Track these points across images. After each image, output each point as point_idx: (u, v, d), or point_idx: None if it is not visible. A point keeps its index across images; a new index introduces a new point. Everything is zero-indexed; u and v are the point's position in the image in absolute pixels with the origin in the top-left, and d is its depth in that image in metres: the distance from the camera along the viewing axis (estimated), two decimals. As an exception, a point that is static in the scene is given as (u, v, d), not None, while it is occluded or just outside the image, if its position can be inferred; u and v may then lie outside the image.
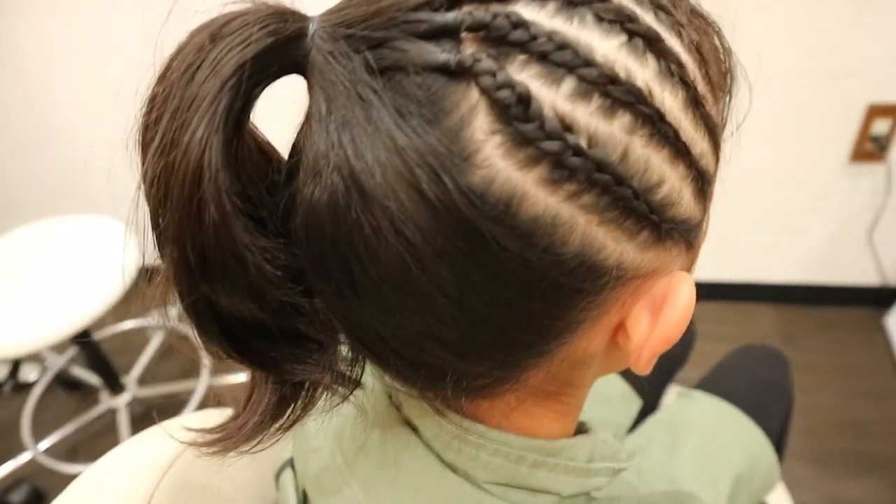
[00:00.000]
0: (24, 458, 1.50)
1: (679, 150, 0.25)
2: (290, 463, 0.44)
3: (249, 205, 0.25)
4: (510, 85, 0.22)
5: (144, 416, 1.57)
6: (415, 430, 0.35)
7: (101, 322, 1.72)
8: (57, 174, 1.78)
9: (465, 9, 0.23)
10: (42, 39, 1.51)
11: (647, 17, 0.25)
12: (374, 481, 0.36)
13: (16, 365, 1.66)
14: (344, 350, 0.31)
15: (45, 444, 1.52)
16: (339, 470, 0.38)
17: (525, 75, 0.22)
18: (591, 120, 0.23)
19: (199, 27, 0.24)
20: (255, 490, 0.52)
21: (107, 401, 1.55)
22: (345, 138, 0.23)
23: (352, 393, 0.32)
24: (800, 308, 1.67)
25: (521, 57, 0.23)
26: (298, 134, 0.26)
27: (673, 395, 0.92)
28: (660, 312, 0.28)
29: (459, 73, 0.22)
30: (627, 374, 0.82)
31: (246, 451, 0.31)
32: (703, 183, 0.27)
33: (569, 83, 0.23)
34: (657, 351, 0.28)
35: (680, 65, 0.25)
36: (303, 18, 0.25)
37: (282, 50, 0.24)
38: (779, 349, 0.90)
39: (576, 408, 0.36)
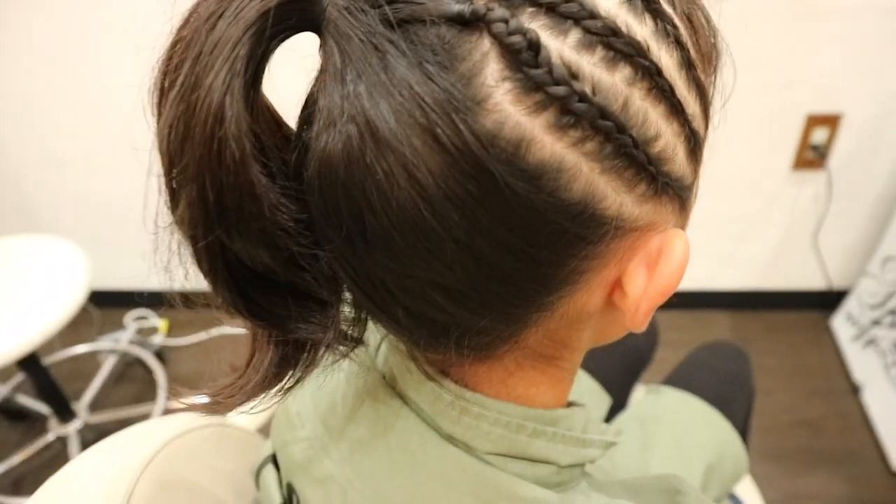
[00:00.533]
0: (-35, 492, 1.42)
1: (674, 106, 0.27)
2: (271, 458, 0.44)
3: (262, 155, 0.25)
4: (521, 31, 0.23)
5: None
6: (409, 404, 0.35)
7: (50, 347, 1.66)
8: None
9: None
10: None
11: None
12: (365, 452, 0.36)
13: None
14: (347, 310, 0.32)
15: (-12, 478, 1.45)
16: (327, 451, 0.38)
17: (534, 25, 0.24)
18: (595, 70, 0.24)
19: None
20: (236, 486, 0.51)
21: (56, 429, 1.48)
22: (360, 88, 0.23)
23: (352, 350, 0.32)
24: (751, 313, 1.73)
25: (531, 9, 0.24)
26: (311, 88, 0.26)
27: (641, 393, 0.94)
28: (656, 266, 0.29)
29: (473, 21, 0.23)
30: (596, 373, 0.84)
31: (246, 411, 0.31)
32: (694, 144, 0.29)
33: (575, 34, 0.24)
34: (654, 304, 0.29)
35: (675, 27, 0.27)
36: None
37: (302, 3, 0.24)
38: (739, 345, 0.93)
39: (570, 373, 0.36)
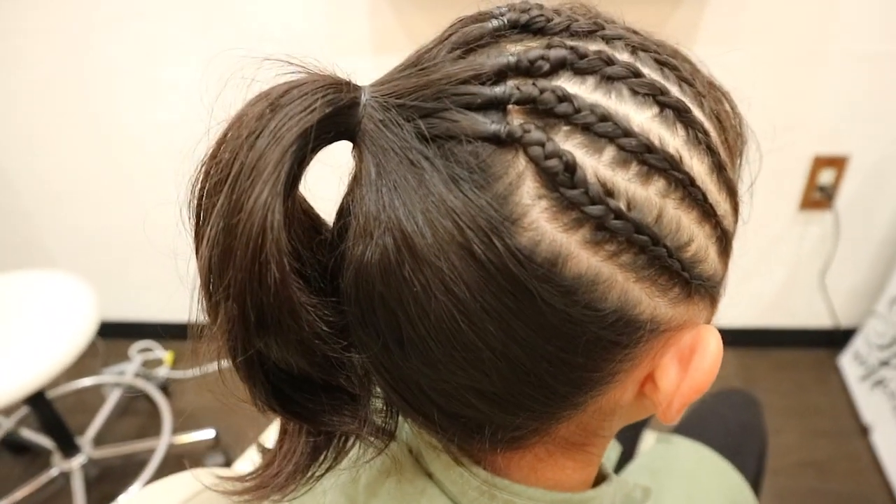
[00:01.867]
0: (-34, 528, 1.41)
1: (706, 211, 0.27)
2: None
3: (298, 263, 0.26)
4: (558, 154, 0.24)
5: (100, 479, 1.50)
6: (436, 484, 0.35)
7: (55, 380, 1.66)
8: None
9: (511, 83, 0.25)
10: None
11: (674, 90, 0.27)
12: None
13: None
14: (378, 402, 0.32)
15: (-11, 513, 1.44)
16: None
17: (570, 144, 0.24)
18: (630, 185, 0.25)
19: (257, 96, 0.25)
20: None
21: (59, 464, 1.47)
22: (397, 201, 0.24)
23: (387, 446, 0.32)
24: (758, 351, 1.72)
25: (566, 128, 0.25)
26: (345, 198, 0.27)
27: (650, 440, 0.92)
28: (689, 363, 0.29)
29: (509, 142, 0.24)
30: None
31: (278, 501, 0.31)
32: (725, 242, 0.29)
33: (609, 152, 0.25)
34: (688, 400, 0.30)
35: (706, 133, 0.27)
36: (356, 89, 0.26)
37: (338, 118, 0.25)
38: (750, 391, 0.92)
39: (598, 457, 0.36)
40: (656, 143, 0.25)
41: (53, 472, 1.48)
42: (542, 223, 0.24)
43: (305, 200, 0.29)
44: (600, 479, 0.39)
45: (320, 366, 0.27)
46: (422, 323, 0.25)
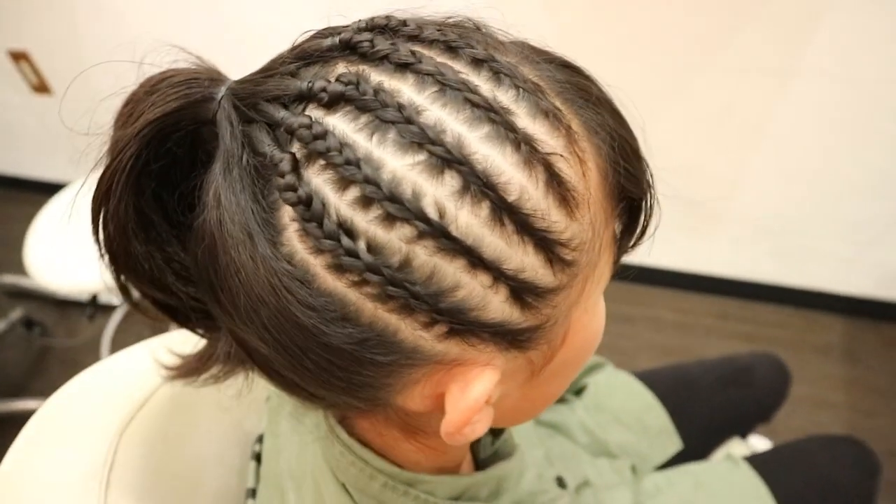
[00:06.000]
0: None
1: (476, 262, 0.27)
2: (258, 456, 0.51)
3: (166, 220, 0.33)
4: (293, 188, 0.26)
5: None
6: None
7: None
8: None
9: (298, 109, 0.28)
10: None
11: (478, 134, 0.27)
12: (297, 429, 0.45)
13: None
14: None
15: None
16: (282, 415, 0.47)
17: (321, 178, 0.26)
18: (370, 226, 0.26)
19: (146, 79, 0.30)
20: (222, 438, 0.58)
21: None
22: (221, 190, 0.28)
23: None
24: (869, 323, 1.61)
25: (321, 162, 0.26)
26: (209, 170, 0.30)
27: (735, 447, 0.83)
28: (458, 398, 0.30)
29: (271, 167, 0.27)
30: (681, 416, 0.78)
31: (190, 384, 0.40)
32: (525, 292, 0.28)
33: (353, 192, 0.26)
34: (449, 431, 0.30)
35: (486, 184, 0.26)
36: (217, 84, 0.30)
37: (189, 111, 0.29)
38: (872, 452, 0.75)
39: (443, 449, 0.38)
40: (406, 190, 0.26)
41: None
42: (294, 242, 0.27)
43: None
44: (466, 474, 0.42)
45: (179, 300, 0.35)
46: (224, 294, 0.29)
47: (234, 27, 1.49)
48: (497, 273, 0.27)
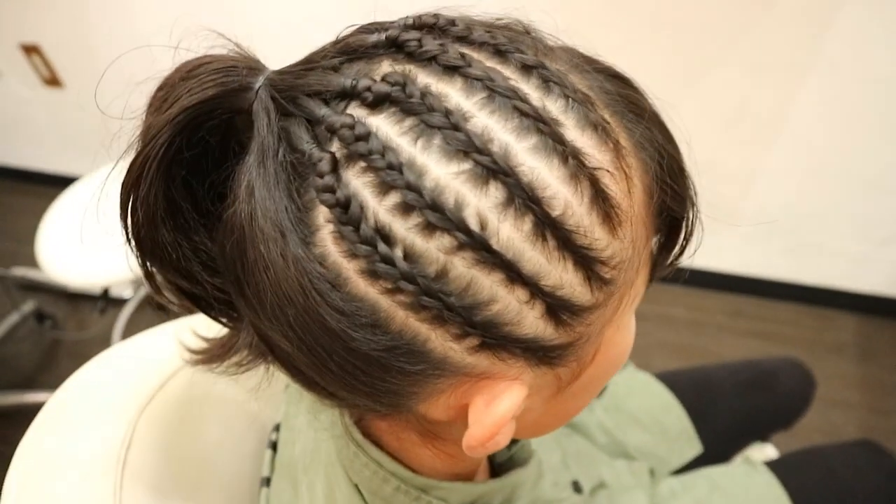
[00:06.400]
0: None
1: (514, 276, 0.26)
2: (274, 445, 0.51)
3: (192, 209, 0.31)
4: (332, 189, 0.25)
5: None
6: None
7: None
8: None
9: (341, 106, 0.27)
10: None
11: (525, 145, 0.26)
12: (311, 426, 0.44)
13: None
14: None
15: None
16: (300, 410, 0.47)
17: (359, 182, 0.25)
18: (409, 234, 0.25)
19: (182, 64, 0.29)
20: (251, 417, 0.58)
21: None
22: (254, 183, 0.27)
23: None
24: (882, 321, 1.59)
25: (362, 164, 0.25)
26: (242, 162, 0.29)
27: (758, 451, 0.82)
28: (483, 413, 0.29)
29: (309, 165, 0.26)
30: (701, 420, 0.76)
31: (211, 370, 0.39)
32: (561, 309, 0.27)
33: (393, 197, 0.25)
34: (472, 445, 0.30)
35: (531, 197, 0.25)
36: (256, 73, 0.28)
37: (225, 100, 0.28)
38: (890, 454, 0.73)
39: (461, 457, 0.37)
40: (448, 200, 0.25)
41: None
42: (328, 244, 0.26)
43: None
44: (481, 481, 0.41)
45: (204, 289, 0.33)
46: (249, 288, 0.28)
47: (242, 20, 1.49)
48: (535, 289, 0.26)
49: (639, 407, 0.76)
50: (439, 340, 0.27)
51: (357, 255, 0.25)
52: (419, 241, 0.25)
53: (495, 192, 0.25)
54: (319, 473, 0.42)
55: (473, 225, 0.25)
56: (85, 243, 1.24)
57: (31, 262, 1.33)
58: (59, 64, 1.80)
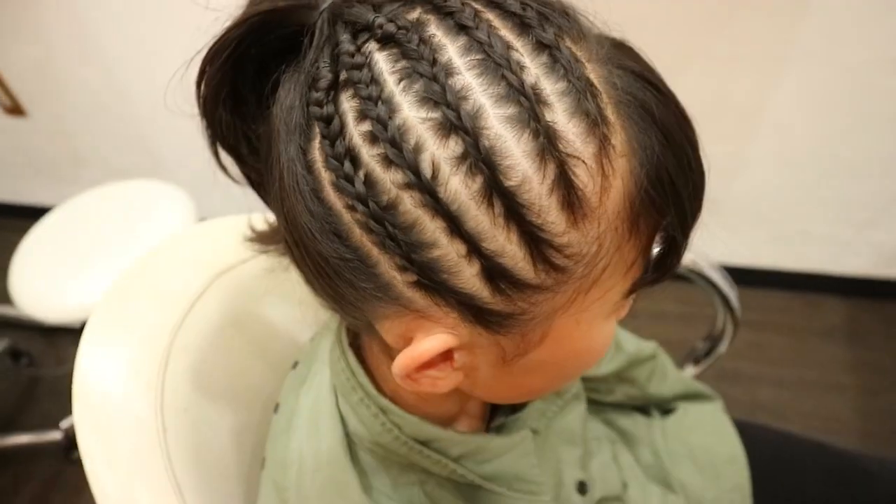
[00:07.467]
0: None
1: (455, 229, 0.28)
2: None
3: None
4: (321, 103, 0.29)
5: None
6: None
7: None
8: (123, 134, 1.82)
9: (362, 37, 0.30)
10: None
11: (499, 113, 0.27)
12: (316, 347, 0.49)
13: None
14: None
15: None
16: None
17: (347, 105, 0.28)
18: (371, 161, 0.28)
19: None
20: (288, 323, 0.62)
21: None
22: (284, 86, 0.31)
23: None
24: (871, 303, 1.61)
25: (352, 90, 0.28)
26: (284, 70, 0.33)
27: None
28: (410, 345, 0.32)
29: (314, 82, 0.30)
30: (764, 489, 0.67)
31: (264, 252, 0.44)
32: (499, 276, 0.29)
33: (366, 125, 0.28)
34: (396, 372, 0.33)
35: (486, 160, 0.26)
36: None
37: (293, 13, 0.31)
38: (859, 461, 0.70)
39: (426, 396, 0.41)
40: (409, 140, 0.27)
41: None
42: (316, 153, 0.29)
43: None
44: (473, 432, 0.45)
45: (245, 169, 0.40)
46: (269, 176, 0.33)
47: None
48: (473, 247, 0.28)
49: (700, 444, 0.68)
50: (385, 267, 0.29)
51: (329, 168, 0.28)
52: (378, 171, 0.28)
53: (454, 145, 0.27)
54: (323, 369, 0.46)
55: (425, 169, 0.27)
56: (59, 276, 1.19)
57: (4, 298, 1.28)
58: (21, 92, 1.75)
